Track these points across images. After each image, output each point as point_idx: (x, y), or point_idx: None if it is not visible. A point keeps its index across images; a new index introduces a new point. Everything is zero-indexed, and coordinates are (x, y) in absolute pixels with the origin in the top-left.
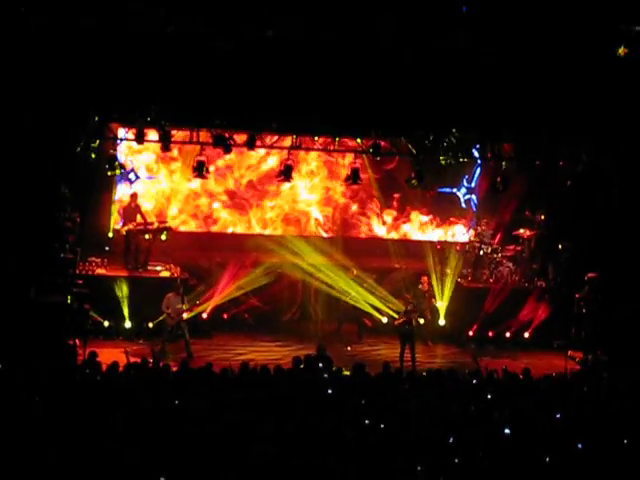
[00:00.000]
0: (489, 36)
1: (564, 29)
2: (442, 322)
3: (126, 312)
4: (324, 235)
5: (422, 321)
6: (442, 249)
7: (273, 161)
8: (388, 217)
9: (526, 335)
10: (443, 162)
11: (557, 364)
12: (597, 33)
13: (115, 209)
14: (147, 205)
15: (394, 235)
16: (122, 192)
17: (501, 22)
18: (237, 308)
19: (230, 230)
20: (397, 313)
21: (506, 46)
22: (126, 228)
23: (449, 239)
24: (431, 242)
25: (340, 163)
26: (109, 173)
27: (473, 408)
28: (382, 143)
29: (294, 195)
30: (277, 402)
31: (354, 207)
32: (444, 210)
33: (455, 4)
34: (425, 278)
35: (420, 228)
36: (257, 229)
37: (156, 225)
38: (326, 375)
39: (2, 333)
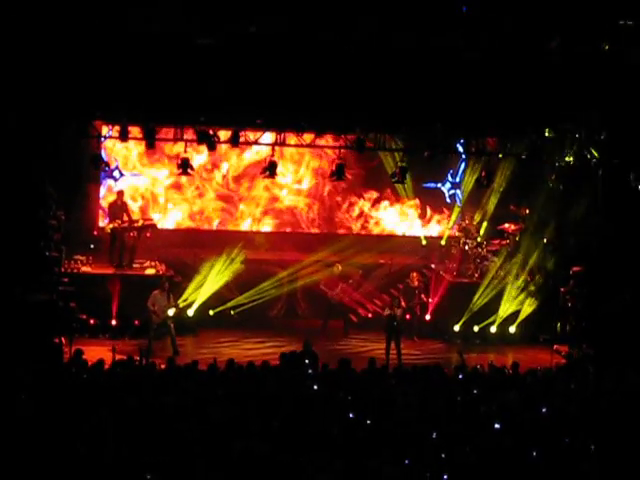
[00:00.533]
0: (473, 32)
1: (546, 22)
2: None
3: (112, 310)
4: (309, 231)
5: (408, 317)
6: (427, 245)
7: (251, 155)
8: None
9: (512, 330)
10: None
11: (543, 358)
12: (580, 26)
13: (104, 206)
14: (132, 203)
15: (379, 229)
16: (107, 190)
17: (484, 18)
18: (222, 305)
19: (215, 226)
20: (383, 308)
21: (489, 41)
22: (111, 226)
23: (433, 234)
24: (415, 237)
25: (324, 158)
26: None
27: (459, 403)
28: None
29: (278, 190)
30: (263, 398)
31: (340, 203)
32: (429, 205)
33: (445, 2)
34: (414, 274)
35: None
36: (243, 225)
37: (141, 223)
38: (311, 371)
39: None
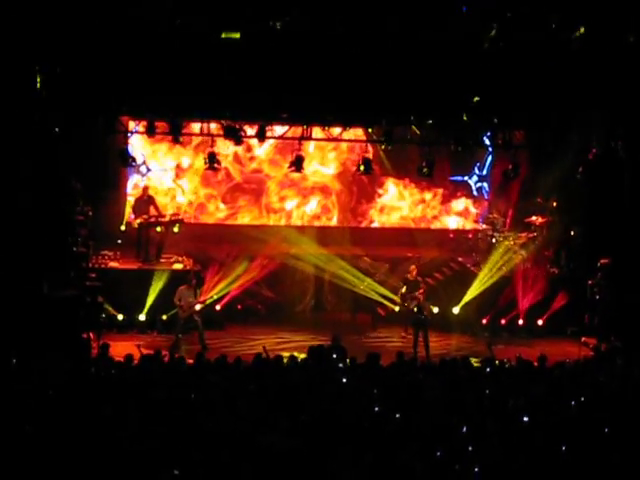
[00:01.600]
0: (494, 23)
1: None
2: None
3: (143, 304)
4: (336, 225)
5: (436, 310)
6: (454, 238)
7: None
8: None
9: (540, 322)
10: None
11: (571, 351)
12: (606, 17)
13: (128, 202)
14: (161, 198)
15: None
16: (134, 185)
17: (505, 8)
18: (250, 299)
19: (243, 221)
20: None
21: (514, 32)
22: (138, 221)
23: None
24: (443, 230)
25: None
26: (121, 166)
27: (487, 396)
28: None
29: (303, 184)
30: (291, 392)
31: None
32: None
33: None
34: (413, 267)
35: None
36: (268, 220)
37: (168, 217)
38: (341, 365)
39: (16, 328)
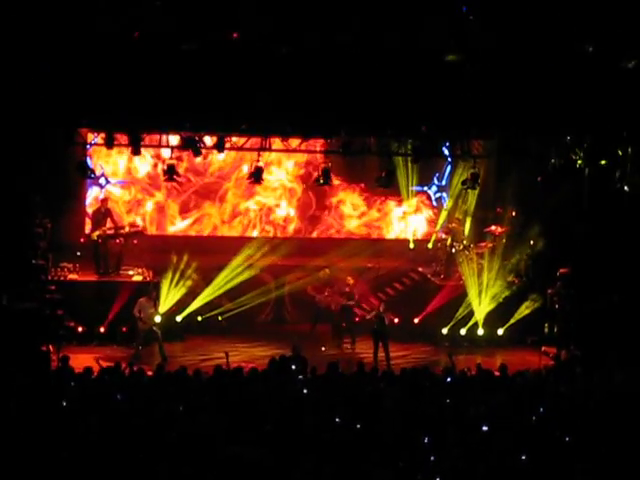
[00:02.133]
0: (456, 35)
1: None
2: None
3: (102, 317)
4: (297, 236)
5: (396, 320)
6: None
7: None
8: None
9: (500, 332)
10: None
11: (531, 360)
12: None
13: (87, 214)
14: (119, 208)
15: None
16: (93, 197)
17: (469, 21)
18: (210, 311)
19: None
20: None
21: (474, 44)
22: (97, 233)
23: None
24: (402, 240)
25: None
26: (80, 178)
27: (448, 405)
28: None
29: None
30: (252, 403)
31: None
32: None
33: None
34: (350, 278)
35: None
36: (229, 230)
37: (127, 229)
38: (301, 376)
39: None
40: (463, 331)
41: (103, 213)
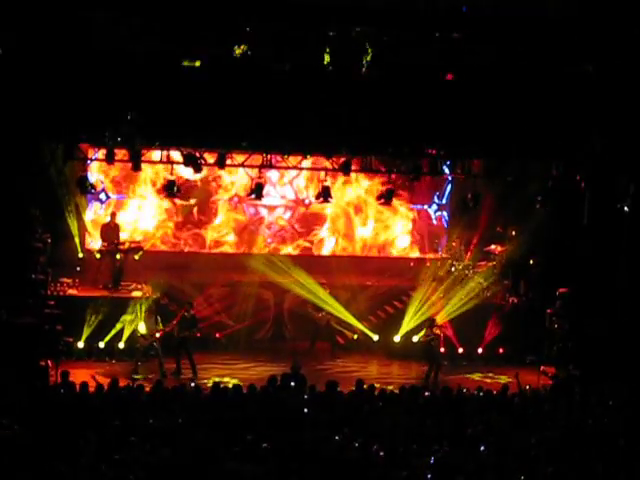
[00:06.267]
0: (458, 54)
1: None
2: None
3: (98, 333)
4: (296, 253)
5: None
6: (414, 266)
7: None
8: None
9: (500, 351)
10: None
11: (530, 380)
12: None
13: (91, 229)
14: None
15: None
16: (93, 212)
17: (469, 40)
18: (209, 328)
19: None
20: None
21: (473, 64)
22: (98, 248)
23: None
24: (404, 259)
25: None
26: (80, 193)
27: (448, 424)
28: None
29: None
30: (250, 421)
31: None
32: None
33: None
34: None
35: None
36: (229, 247)
37: (128, 245)
38: (302, 395)
39: None
40: (461, 350)
41: (112, 228)
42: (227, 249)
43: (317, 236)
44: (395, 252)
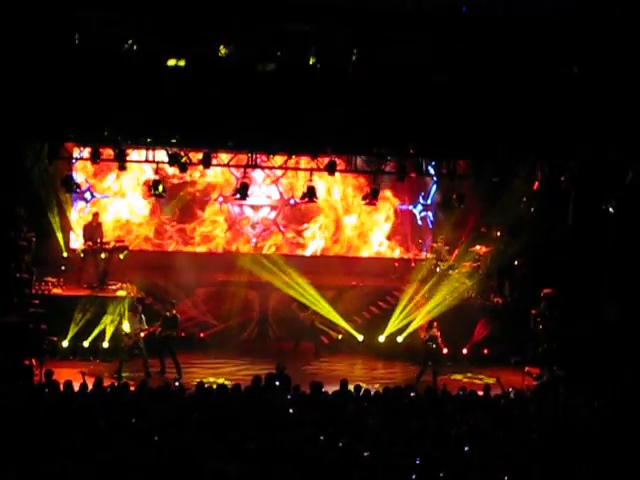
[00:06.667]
0: (443, 54)
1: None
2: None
3: (82, 332)
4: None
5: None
6: (399, 266)
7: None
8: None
9: (485, 352)
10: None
11: (514, 380)
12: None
13: (76, 228)
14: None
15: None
16: (78, 211)
17: (456, 41)
18: (193, 327)
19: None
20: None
21: (461, 64)
22: (82, 247)
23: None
24: (389, 259)
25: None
26: (65, 193)
27: (432, 425)
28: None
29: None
30: (235, 421)
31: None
32: (401, 226)
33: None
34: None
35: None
36: (213, 247)
37: (112, 244)
38: (287, 395)
39: None
40: (445, 350)
41: (95, 227)
42: (213, 247)
43: (303, 235)
44: (377, 249)
